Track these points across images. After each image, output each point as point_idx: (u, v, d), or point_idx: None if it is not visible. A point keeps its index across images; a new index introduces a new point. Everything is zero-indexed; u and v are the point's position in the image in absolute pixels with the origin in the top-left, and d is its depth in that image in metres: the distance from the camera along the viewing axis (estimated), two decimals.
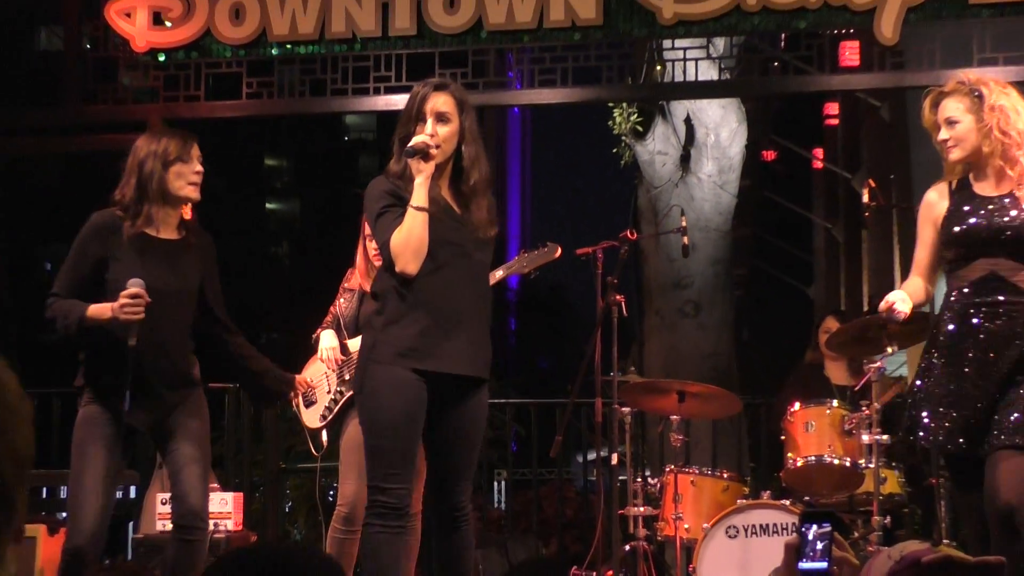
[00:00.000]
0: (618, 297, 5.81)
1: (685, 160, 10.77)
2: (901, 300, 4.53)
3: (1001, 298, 4.40)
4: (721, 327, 10.80)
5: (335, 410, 5.83)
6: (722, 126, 10.63)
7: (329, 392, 5.86)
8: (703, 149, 10.66)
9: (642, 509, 6.16)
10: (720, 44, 8.41)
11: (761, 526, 5.91)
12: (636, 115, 10.95)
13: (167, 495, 5.59)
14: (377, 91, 7.29)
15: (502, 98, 8.04)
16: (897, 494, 6.23)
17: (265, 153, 39.58)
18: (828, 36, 7.24)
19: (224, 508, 6.34)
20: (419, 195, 4.42)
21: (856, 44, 16.69)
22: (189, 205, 4.96)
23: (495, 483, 14.82)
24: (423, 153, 4.42)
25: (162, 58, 7.44)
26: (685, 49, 7.39)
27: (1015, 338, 4.37)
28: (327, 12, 7.25)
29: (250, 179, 36.23)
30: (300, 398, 6.01)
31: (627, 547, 6.10)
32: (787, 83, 8.54)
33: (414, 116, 4.53)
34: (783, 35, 7.89)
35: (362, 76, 7.30)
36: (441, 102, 4.53)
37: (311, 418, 5.97)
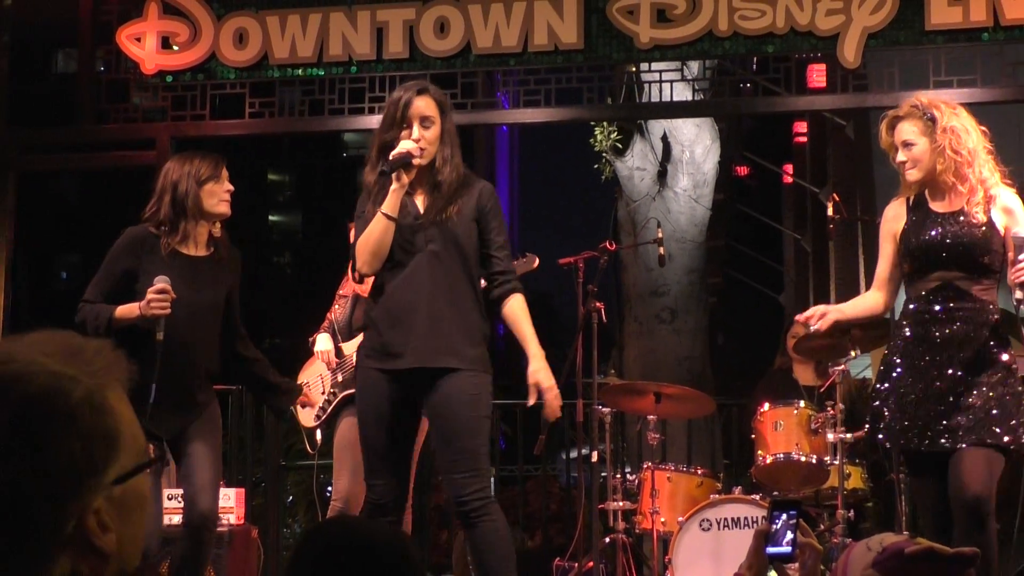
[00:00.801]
0: (598, 304, 5.82)
1: (662, 175, 10.79)
2: (820, 316, 4.58)
3: (954, 305, 4.43)
4: (696, 332, 10.81)
5: (328, 410, 5.85)
6: (696, 143, 10.65)
7: (324, 393, 5.88)
8: (679, 165, 10.68)
9: (621, 503, 6.16)
10: (694, 67, 8.43)
11: (733, 519, 5.91)
12: (616, 133, 10.97)
13: (172, 491, 5.59)
14: (372, 111, 7.28)
15: (490, 117, 8.06)
16: (860, 489, 6.25)
17: (268, 169, 39.53)
18: (795, 60, 7.27)
19: (227, 503, 6.31)
20: (391, 202, 4.28)
21: (823, 67, 16.75)
22: (219, 223, 4.96)
23: None
24: (406, 164, 4.27)
25: (170, 79, 7.44)
26: (661, 72, 7.40)
27: (968, 342, 4.40)
28: (325, 37, 7.26)
29: (254, 193, 36.19)
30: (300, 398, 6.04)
31: (607, 539, 6.11)
32: (756, 103, 8.58)
33: (398, 121, 4.33)
34: (754, 59, 7.91)
35: (358, 97, 7.30)
36: (424, 105, 4.34)
37: (307, 418, 5.99)
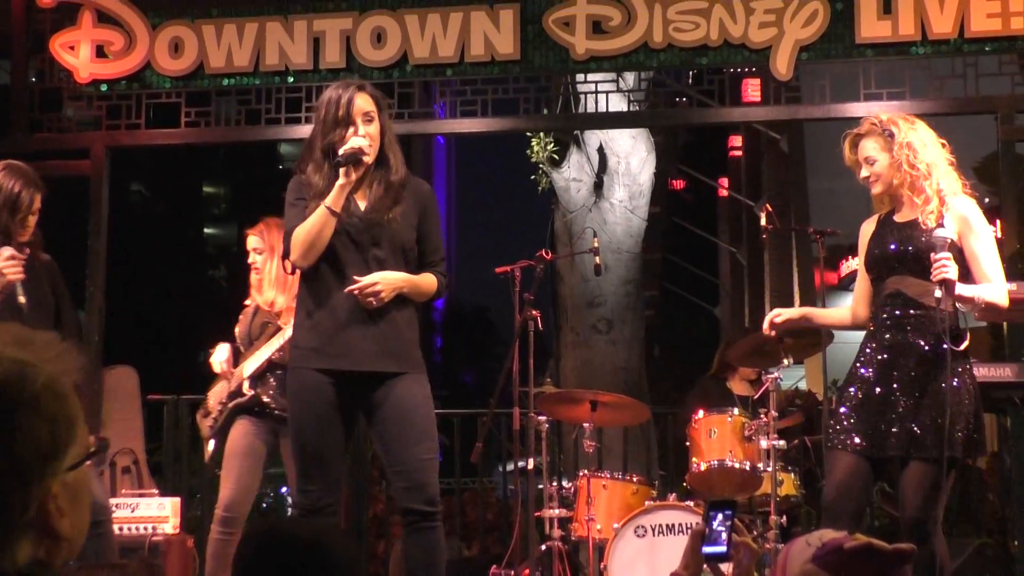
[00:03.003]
0: (534, 312, 5.86)
1: (598, 186, 10.86)
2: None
3: (901, 312, 4.54)
4: (632, 343, 10.88)
5: (220, 420, 5.73)
6: (632, 155, 10.74)
7: (219, 404, 5.77)
8: (615, 176, 10.75)
9: (557, 511, 6.19)
10: (630, 79, 8.51)
11: (667, 526, 5.97)
12: (552, 144, 11.03)
13: (118, 499, 5.56)
14: (309, 120, 7.29)
15: (427, 127, 8.07)
16: (793, 495, 6.33)
17: (203, 182, 39.27)
18: (729, 73, 7.38)
19: (163, 512, 6.30)
20: (337, 197, 4.27)
21: (758, 81, 16.96)
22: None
23: None
24: (356, 160, 4.28)
25: (104, 88, 7.41)
26: (597, 83, 7.48)
27: (915, 348, 4.50)
28: (261, 46, 7.27)
29: (189, 206, 35.91)
30: (202, 409, 5.91)
31: (543, 547, 6.14)
32: (691, 115, 8.70)
33: (342, 120, 4.33)
34: (689, 72, 8.01)
35: (295, 106, 7.32)
36: (365, 102, 4.37)
37: (206, 429, 5.86)
